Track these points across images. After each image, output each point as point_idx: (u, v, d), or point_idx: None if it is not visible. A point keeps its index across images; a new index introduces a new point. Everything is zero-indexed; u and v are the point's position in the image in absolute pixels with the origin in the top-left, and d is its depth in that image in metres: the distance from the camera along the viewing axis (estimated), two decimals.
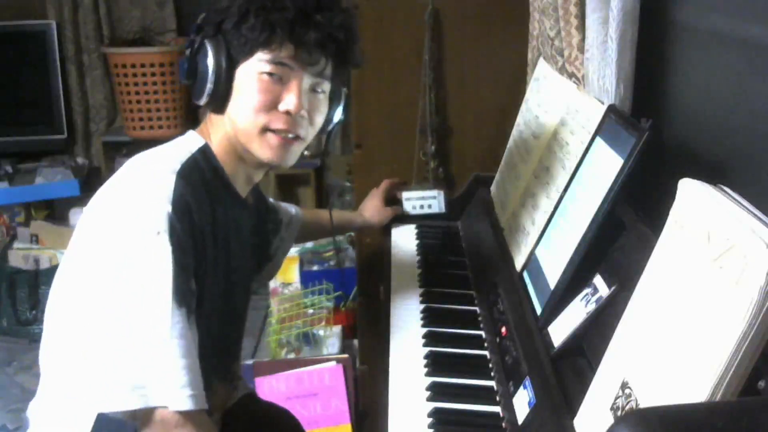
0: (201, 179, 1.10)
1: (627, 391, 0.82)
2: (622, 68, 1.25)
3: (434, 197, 1.90)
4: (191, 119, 3.36)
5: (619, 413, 0.83)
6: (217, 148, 1.15)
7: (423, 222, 1.88)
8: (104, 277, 1.00)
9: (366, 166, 2.00)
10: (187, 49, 1.13)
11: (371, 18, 1.88)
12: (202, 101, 1.12)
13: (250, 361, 2.31)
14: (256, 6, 1.07)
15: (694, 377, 0.71)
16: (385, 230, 1.86)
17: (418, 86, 1.89)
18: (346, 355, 2.25)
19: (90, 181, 3.33)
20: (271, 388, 2.11)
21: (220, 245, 1.13)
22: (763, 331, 0.67)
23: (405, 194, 1.90)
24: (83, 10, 3.16)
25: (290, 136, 1.13)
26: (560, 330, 1.10)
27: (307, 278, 2.77)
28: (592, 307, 1.05)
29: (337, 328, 2.50)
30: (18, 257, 3.11)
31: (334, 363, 2.16)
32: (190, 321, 1.02)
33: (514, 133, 1.72)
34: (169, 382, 0.98)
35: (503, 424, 1.11)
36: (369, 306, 2.07)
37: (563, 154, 1.36)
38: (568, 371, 1.05)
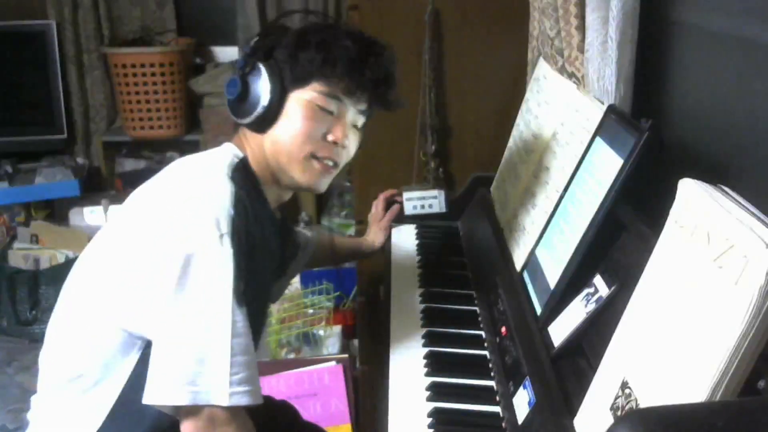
0: (246, 187, 1.12)
1: (627, 391, 0.82)
2: (622, 68, 1.25)
3: (434, 197, 1.90)
4: (191, 119, 3.37)
5: (619, 413, 0.83)
6: (253, 163, 1.17)
7: (423, 222, 1.88)
8: (168, 277, 1.01)
9: (366, 166, 2.00)
10: (239, 68, 1.16)
11: (371, 18, 1.88)
12: (247, 121, 1.15)
13: None
14: (316, 39, 1.13)
15: (694, 377, 0.71)
16: None
17: (418, 86, 1.89)
18: (346, 355, 2.25)
19: (90, 181, 3.33)
20: (271, 388, 2.11)
21: (258, 257, 1.13)
22: (763, 331, 0.67)
23: (405, 194, 1.90)
24: (83, 10, 3.16)
25: (331, 164, 1.18)
26: (560, 330, 1.10)
27: (307, 278, 2.77)
28: (592, 307, 1.05)
29: (337, 328, 2.50)
30: (18, 257, 3.11)
31: (334, 363, 2.17)
32: (247, 320, 1.04)
33: (514, 133, 1.72)
34: (226, 379, 1.00)
35: (503, 424, 1.11)
36: (369, 306, 2.07)
37: (563, 154, 1.36)
38: (568, 371, 1.05)
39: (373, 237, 1.75)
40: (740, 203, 0.76)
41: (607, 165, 1.13)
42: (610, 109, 1.21)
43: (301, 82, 1.14)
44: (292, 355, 2.41)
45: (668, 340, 0.78)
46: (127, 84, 3.05)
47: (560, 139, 1.40)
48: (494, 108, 1.90)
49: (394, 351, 1.32)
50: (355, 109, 1.18)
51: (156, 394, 1.00)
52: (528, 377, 1.08)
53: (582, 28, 1.39)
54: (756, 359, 0.68)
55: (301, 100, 1.14)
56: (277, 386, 2.12)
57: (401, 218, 1.89)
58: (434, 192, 1.90)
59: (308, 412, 2.09)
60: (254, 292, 1.11)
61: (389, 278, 1.60)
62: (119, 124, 3.33)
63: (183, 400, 0.99)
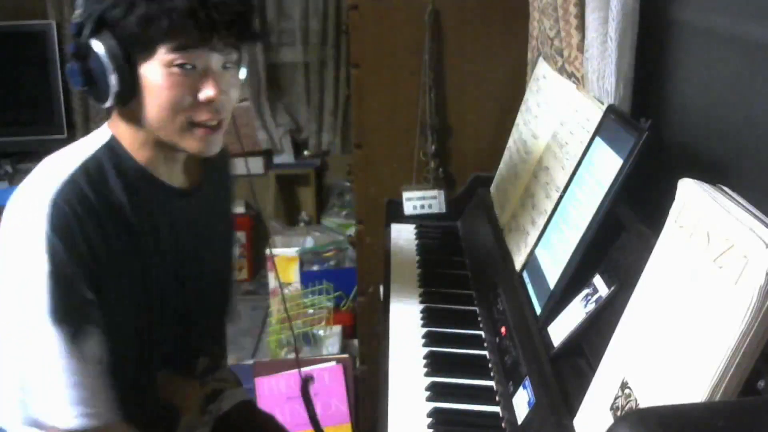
0: (99, 181, 1.06)
1: (627, 391, 0.82)
2: (622, 68, 1.25)
3: (434, 197, 1.90)
4: None
5: (619, 413, 0.83)
6: (130, 139, 1.09)
7: (423, 222, 1.88)
8: None
9: (366, 166, 2.00)
10: (73, 52, 1.03)
11: (371, 18, 1.88)
12: (108, 104, 1.05)
13: (250, 361, 2.32)
14: None
15: (694, 377, 0.71)
16: (385, 229, 1.86)
17: (418, 86, 1.89)
18: (346, 355, 2.25)
19: None
20: (271, 388, 2.11)
21: (141, 239, 1.10)
22: (763, 331, 0.67)
23: (405, 194, 1.90)
24: None
25: (214, 123, 1.07)
26: (560, 330, 1.10)
27: (307, 278, 2.77)
28: (591, 307, 1.05)
29: (337, 328, 2.51)
30: None
31: (334, 363, 2.17)
32: (79, 336, 1.00)
33: (514, 133, 1.72)
34: (56, 402, 0.99)
35: (503, 424, 1.11)
36: (369, 306, 2.07)
37: (563, 154, 1.36)
38: (568, 371, 1.05)
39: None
40: (740, 203, 0.76)
41: (606, 165, 1.13)
42: (610, 109, 1.21)
43: (145, 50, 1.00)
44: (292, 355, 2.41)
45: (668, 340, 0.78)
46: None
47: (560, 139, 1.40)
48: (494, 108, 1.90)
49: (394, 351, 1.32)
50: (219, 53, 1.04)
51: (3, 416, 1.02)
52: (528, 377, 1.08)
53: (582, 28, 1.39)
54: (756, 359, 0.68)
55: (154, 68, 1.01)
56: (277, 386, 2.12)
57: (401, 218, 1.89)
58: (434, 192, 1.90)
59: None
60: (140, 272, 1.09)
61: (389, 278, 1.60)
62: None
63: (22, 421, 1.00)
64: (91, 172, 1.05)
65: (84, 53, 1.02)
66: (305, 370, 2.15)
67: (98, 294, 1.03)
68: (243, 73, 1.14)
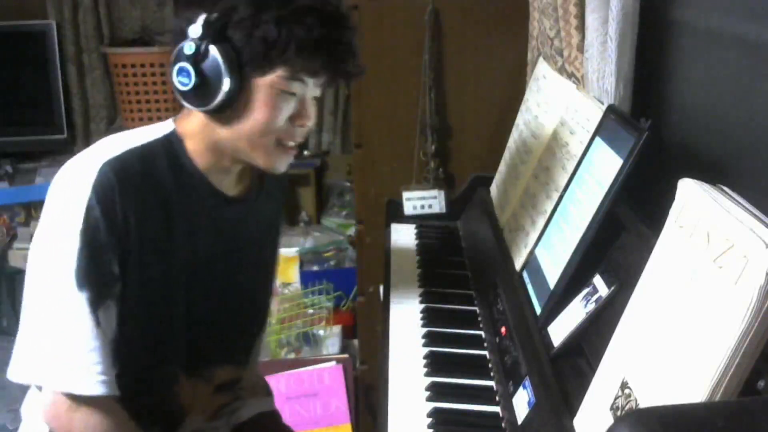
0: (151, 167, 1.08)
1: (627, 391, 0.82)
2: (622, 68, 1.25)
3: (434, 197, 1.90)
4: None
5: (619, 413, 0.83)
6: (194, 141, 1.12)
7: (423, 222, 1.88)
8: (30, 258, 1.05)
9: (366, 166, 2.00)
10: (183, 51, 1.05)
11: (371, 18, 1.87)
12: (203, 110, 1.07)
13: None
14: (273, 16, 1.01)
15: (694, 377, 0.71)
16: (385, 229, 1.86)
17: (418, 86, 1.89)
18: (346, 355, 2.25)
19: None
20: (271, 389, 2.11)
21: (178, 236, 1.11)
22: (763, 331, 0.67)
23: (405, 194, 1.90)
24: (83, 10, 3.16)
25: (294, 145, 1.12)
26: (560, 330, 1.10)
27: (307, 278, 2.77)
28: (591, 307, 1.05)
29: (337, 328, 2.51)
30: (18, 257, 3.11)
31: (334, 363, 2.17)
32: (100, 305, 1.03)
33: (514, 133, 1.72)
34: (63, 364, 1.02)
35: (503, 424, 1.11)
36: (369, 306, 2.07)
37: (563, 154, 1.36)
38: (568, 371, 1.05)
39: None
40: (740, 203, 0.76)
41: (606, 165, 1.13)
42: (610, 109, 1.21)
43: (262, 67, 1.04)
44: (292, 355, 2.41)
45: (668, 340, 0.78)
46: (127, 84, 3.05)
47: (560, 139, 1.40)
48: (494, 108, 1.90)
49: (394, 351, 1.32)
50: (316, 87, 1.10)
51: (15, 372, 1.04)
52: (528, 377, 1.08)
53: (582, 28, 1.39)
54: (756, 359, 0.68)
55: (262, 86, 1.05)
56: (277, 386, 2.12)
57: (401, 217, 1.89)
58: (434, 192, 1.90)
59: (308, 412, 2.09)
60: (166, 268, 1.10)
61: (389, 278, 1.60)
62: (119, 124, 3.32)
63: (33, 378, 1.04)
64: (146, 156, 1.08)
65: (201, 57, 1.04)
66: (305, 370, 2.15)
67: (122, 272, 1.05)
68: None
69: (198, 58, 1.04)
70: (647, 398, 0.78)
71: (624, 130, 1.11)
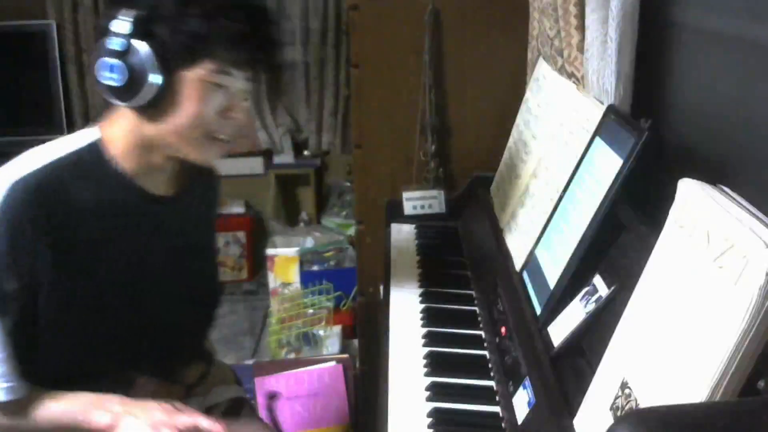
0: (71, 179, 1.08)
1: (627, 391, 0.82)
2: (622, 68, 1.25)
3: (434, 197, 1.90)
4: None
5: (619, 413, 0.83)
6: (120, 142, 1.12)
7: (423, 222, 1.88)
8: None
9: (366, 166, 2.00)
10: (108, 47, 1.04)
11: (371, 18, 1.87)
12: (133, 105, 1.07)
13: (250, 361, 2.32)
14: (200, 10, 1.03)
15: (694, 377, 0.71)
16: (385, 229, 1.86)
17: (418, 86, 1.89)
18: (346, 355, 2.25)
19: None
20: (271, 388, 2.11)
21: (107, 243, 1.12)
22: (763, 331, 0.67)
23: (405, 194, 1.90)
24: (83, 10, 3.16)
25: (227, 139, 1.12)
26: (560, 330, 1.10)
27: (307, 278, 2.78)
28: (591, 307, 1.05)
29: (337, 328, 2.51)
30: None
31: (334, 363, 2.17)
32: (5, 319, 1.05)
33: (514, 133, 1.72)
34: None
35: (503, 424, 1.11)
36: (369, 306, 2.07)
37: (563, 154, 1.36)
38: (568, 371, 1.05)
39: None
40: (740, 203, 0.76)
41: (606, 165, 1.13)
42: (610, 109, 1.21)
43: (189, 60, 1.05)
44: (292, 355, 2.41)
45: (668, 340, 0.78)
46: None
47: (560, 139, 1.40)
48: (494, 108, 1.90)
49: (394, 351, 1.32)
50: (245, 80, 1.11)
51: None
52: (528, 377, 1.08)
53: (582, 28, 1.39)
54: (756, 359, 0.68)
55: (190, 80, 1.05)
56: (277, 386, 2.12)
57: (401, 217, 1.89)
58: (434, 192, 1.90)
59: (308, 412, 2.09)
60: (102, 274, 1.11)
61: (389, 278, 1.60)
62: None
63: None
64: (61, 168, 1.08)
65: (125, 51, 1.04)
66: (305, 370, 2.15)
67: (37, 286, 1.06)
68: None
69: (125, 54, 1.04)
70: (647, 398, 0.78)
71: (624, 130, 1.11)
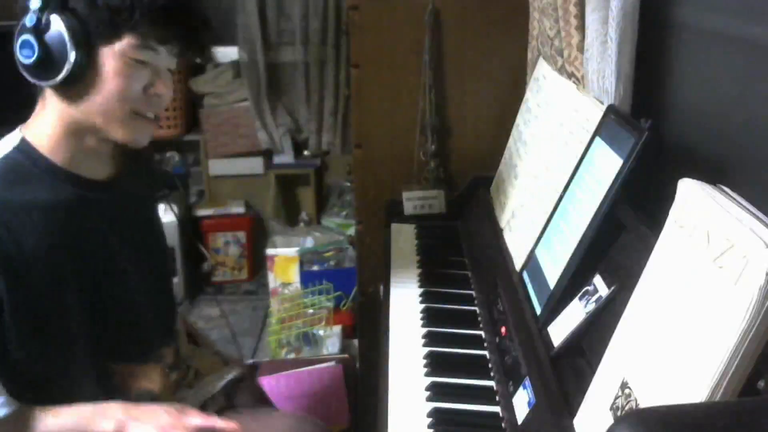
0: (7, 183, 1.06)
1: (627, 391, 0.82)
2: (622, 68, 1.25)
3: (434, 197, 1.90)
4: (191, 119, 3.37)
5: (619, 413, 0.83)
6: (46, 138, 1.10)
7: (423, 222, 1.87)
8: None
9: (366, 166, 2.00)
10: (31, 25, 1.03)
11: (371, 18, 1.87)
12: (48, 84, 1.05)
13: (250, 361, 2.31)
14: None
15: (694, 377, 0.71)
16: (385, 229, 1.86)
17: (418, 86, 1.89)
18: (346, 355, 2.25)
19: None
20: (271, 388, 2.11)
21: (59, 238, 1.09)
22: (763, 331, 0.67)
23: (405, 194, 1.90)
24: None
25: (152, 116, 1.11)
26: (560, 330, 1.10)
27: (307, 278, 2.78)
28: (591, 307, 1.05)
29: (337, 328, 2.51)
30: None
31: (334, 363, 2.16)
32: None
33: (514, 133, 1.72)
34: None
35: (503, 424, 1.11)
36: (369, 306, 2.07)
37: (563, 154, 1.36)
38: (568, 371, 1.05)
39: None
40: (740, 203, 0.76)
41: (606, 165, 1.13)
42: (610, 109, 1.21)
43: (109, 36, 1.02)
44: (292, 355, 2.41)
45: (668, 340, 0.78)
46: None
47: (560, 139, 1.40)
48: (494, 108, 1.90)
49: (394, 351, 1.32)
50: (170, 55, 1.09)
51: None
52: (528, 377, 1.08)
53: (582, 28, 1.39)
54: (756, 359, 0.68)
55: (111, 55, 1.03)
56: (277, 386, 2.12)
57: (401, 217, 1.89)
58: (434, 192, 1.90)
59: (308, 412, 2.09)
60: (70, 269, 1.09)
61: (389, 278, 1.60)
62: None
63: None
64: None
65: (43, 28, 1.02)
66: (305, 369, 2.15)
67: (9, 293, 1.04)
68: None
69: (40, 30, 1.02)
70: (647, 398, 0.78)
71: (624, 130, 1.11)
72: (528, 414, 1.03)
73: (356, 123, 2.01)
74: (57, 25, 1.01)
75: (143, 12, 1.02)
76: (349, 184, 3.31)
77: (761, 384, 0.70)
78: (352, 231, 2.99)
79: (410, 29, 1.86)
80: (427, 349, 1.31)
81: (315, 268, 2.88)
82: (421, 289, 1.53)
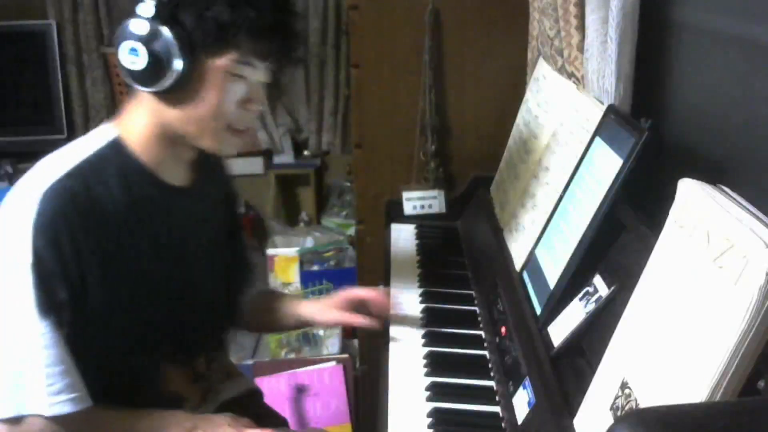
0: (96, 180, 1.08)
1: (627, 391, 0.82)
2: (622, 68, 1.25)
3: (434, 197, 1.90)
4: None
5: (619, 413, 0.83)
6: (139, 137, 1.12)
7: (423, 222, 1.88)
8: None
9: (366, 166, 2.00)
10: (131, 30, 1.05)
11: (371, 18, 1.87)
12: (156, 90, 1.07)
13: (250, 361, 2.32)
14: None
15: (694, 377, 0.71)
16: (385, 229, 1.86)
17: (418, 86, 1.89)
18: (346, 355, 2.25)
19: None
20: (271, 388, 2.11)
21: (138, 238, 1.12)
22: (763, 331, 0.67)
23: (405, 194, 1.90)
24: (83, 10, 3.16)
25: (244, 129, 1.13)
26: (560, 330, 1.10)
27: (307, 278, 2.77)
28: (591, 307, 1.05)
29: (337, 328, 2.50)
30: None
31: (334, 363, 2.17)
32: (62, 326, 1.04)
33: (514, 133, 1.72)
34: (43, 391, 1.03)
35: (503, 424, 1.11)
36: None
37: (563, 154, 1.36)
38: (568, 371, 1.05)
39: (317, 314, 1.39)
40: (740, 203, 0.76)
41: (606, 165, 1.13)
42: (610, 109, 1.21)
43: (213, 50, 1.05)
44: (292, 355, 2.41)
45: (668, 340, 0.78)
46: (127, 84, 3.05)
47: (560, 139, 1.40)
48: (494, 108, 1.90)
49: (394, 351, 1.32)
50: (266, 71, 1.12)
51: None
52: (528, 377, 1.08)
53: (582, 28, 1.39)
54: (756, 359, 0.68)
55: (213, 70, 1.06)
56: (277, 386, 2.12)
57: (401, 218, 1.89)
58: (434, 192, 1.90)
59: (308, 412, 2.09)
60: (136, 269, 1.11)
61: (389, 278, 1.60)
62: None
63: (4, 412, 1.03)
64: (87, 171, 1.07)
65: (151, 37, 1.04)
66: (305, 370, 2.15)
67: (86, 291, 1.06)
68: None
69: (147, 38, 1.04)
70: (647, 398, 0.78)
71: (624, 130, 1.11)
72: (528, 414, 1.03)
73: (356, 123, 2.01)
74: (166, 35, 1.04)
75: (248, 28, 1.04)
76: (349, 184, 3.31)
77: (761, 384, 0.70)
78: (352, 231, 2.99)
79: (410, 29, 1.86)
80: (427, 349, 1.31)
81: (315, 268, 2.87)
82: (421, 289, 1.53)
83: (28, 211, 1.02)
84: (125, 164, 1.11)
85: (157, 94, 1.08)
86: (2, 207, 1.05)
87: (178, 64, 1.04)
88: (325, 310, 1.37)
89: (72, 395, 1.04)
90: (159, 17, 1.04)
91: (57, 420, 1.04)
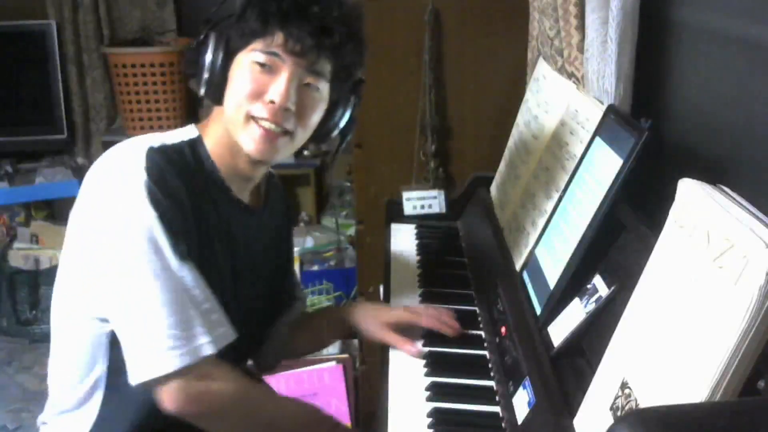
0: (182, 166, 1.09)
1: (627, 391, 0.82)
2: (622, 68, 1.25)
3: (434, 197, 1.90)
4: (191, 119, 3.37)
5: (619, 413, 0.83)
6: (213, 143, 1.15)
7: (423, 222, 1.88)
8: (107, 257, 1.04)
9: (366, 166, 2.00)
10: (193, 47, 1.13)
11: (371, 18, 1.86)
12: (200, 91, 1.12)
13: (249, 361, 2.32)
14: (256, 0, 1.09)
15: (694, 377, 0.71)
16: (385, 229, 1.86)
17: (418, 86, 1.89)
18: (346, 355, 2.25)
19: None
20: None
21: (203, 239, 1.12)
22: (763, 331, 0.67)
23: (405, 194, 1.90)
24: (83, 10, 3.16)
25: (275, 128, 1.10)
26: (560, 330, 1.10)
27: (307, 278, 2.77)
28: (591, 307, 1.05)
29: None
30: (18, 257, 3.11)
31: (334, 363, 2.17)
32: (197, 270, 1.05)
33: (514, 133, 1.72)
34: (203, 331, 1.03)
35: (503, 424, 1.11)
36: None
37: (563, 154, 1.36)
38: (568, 371, 1.05)
39: (370, 323, 1.35)
40: (740, 203, 0.76)
41: (606, 165, 1.13)
42: (610, 109, 1.21)
43: (242, 44, 1.10)
44: None
45: (668, 340, 0.78)
46: (127, 84, 3.05)
47: (560, 139, 1.40)
48: (494, 108, 1.90)
49: (394, 351, 1.31)
50: (302, 67, 1.09)
51: (145, 370, 1.02)
52: (528, 377, 1.08)
53: (582, 28, 1.39)
54: (756, 359, 0.68)
55: (242, 62, 1.10)
56: (277, 386, 2.12)
57: (401, 218, 1.89)
58: (434, 192, 1.90)
59: None
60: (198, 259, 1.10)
61: (389, 278, 1.60)
62: (119, 124, 3.33)
63: (172, 365, 1.01)
64: (172, 156, 1.09)
65: (199, 44, 1.12)
66: (305, 369, 2.15)
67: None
68: (343, 120, 1.21)
69: (197, 45, 1.12)
70: (647, 398, 0.78)
71: (624, 130, 1.11)
72: (528, 414, 1.03)
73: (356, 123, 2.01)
74: (207, 40, 1.11)
75: (267, 18, 1.07)
76: (349, 184, 3.31)
77: (761, 384, 0.70)
78: (352, 231, 2.99)
79: (410, 29, 1.87)
80: (427, 348, 1.31)
81: (315, 268, 2.88)
82: (421, 289, 1.53)
83: (137, 166, 1.03)
84: (203, 163, 1.14)
85: (207, 98, 1.12)
86: (107, 165, 1.07)
87: (209, 63, 1.10)
88: (378, 327, 1.32)
89: (227, 327, 1.07)
90: (208, 25, 1.11)
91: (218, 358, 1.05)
